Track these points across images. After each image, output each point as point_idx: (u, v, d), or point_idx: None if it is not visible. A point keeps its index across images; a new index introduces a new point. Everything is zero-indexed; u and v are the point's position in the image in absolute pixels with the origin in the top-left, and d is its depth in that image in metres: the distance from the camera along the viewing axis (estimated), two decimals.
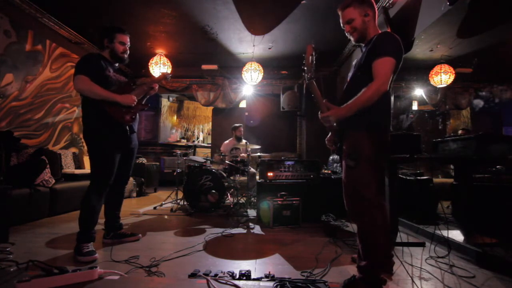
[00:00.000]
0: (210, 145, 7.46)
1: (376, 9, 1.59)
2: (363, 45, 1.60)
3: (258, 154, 4.44)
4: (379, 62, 1.39)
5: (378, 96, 1.36)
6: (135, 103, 2.13)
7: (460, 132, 4.88)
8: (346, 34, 1.62)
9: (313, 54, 1.54)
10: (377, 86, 1.36)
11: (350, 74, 1.67)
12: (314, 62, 1.55)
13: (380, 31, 1.53)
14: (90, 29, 4.37)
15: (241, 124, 4.91)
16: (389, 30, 3.06)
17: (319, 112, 1.50)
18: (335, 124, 1.48)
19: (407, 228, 2.94)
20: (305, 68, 1.55)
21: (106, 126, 2.04)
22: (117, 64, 2.25)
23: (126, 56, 2.23)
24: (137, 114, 2.24)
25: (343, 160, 1.53)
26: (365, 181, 1.43)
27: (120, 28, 2.19)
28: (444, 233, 2.28)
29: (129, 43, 2.23)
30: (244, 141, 4.67)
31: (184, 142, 8.03)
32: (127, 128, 2.15)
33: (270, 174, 3.28)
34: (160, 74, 2.68)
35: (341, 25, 1.62)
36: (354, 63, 1.67)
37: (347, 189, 1.52)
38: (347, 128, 1.53)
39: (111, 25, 2.20)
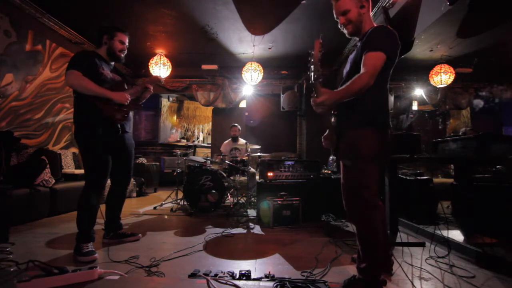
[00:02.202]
0: (210, 145, 7.46)
1: (371, 1, 1.53)
2: (358, 39, 1.55)
3: (258, 154, 4.44)
4: (370, 55, 1.36)
5: (363, 89, 1.33)
6: (128, 101, 2.12)
7: (467, 131, 4.85)
8: (340, 26, 1.56)
9: (321, 50, 1.44)
10: (362, 79, 1.32)
11: (345, 71, 1.63)
12: (320, 59, 1.45)
13: (375, 25, 1.49)
14: (90, 29, 4.37)
15: (234, 124, 4.89)
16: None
17: (311, 100, 1.44)
18: (328, 109, 1.44)
19: (407, 228, 2.94)
20: (312, 66, 1.45)
21: (97, 125, 2.02)
22: (112, 63, 2.24)
23: (123, 55, 2.22)
24: (130, 114, 2.23)
25: (340, 160, 1.52)
26: (363, 181, 1.41)
27: (121, 27, 2.20)
28: (444, 233, 2.28)
29: (127, 44, 2.24)
30: (243, 141, 4.67)
31: (184, 142, 8.03)
32: (119, 127, 2.14)
33: (270, 174, 3.28)
34: (153, 76, 2.71)
35: (335, 16, 1.55)
36: (350, 58, 1.62)
37: (346, 190, 1.49)
38: (344, 127, 1.51)
39: (111, 24, 2.20)
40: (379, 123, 1.45)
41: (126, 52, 2.24)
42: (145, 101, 2.42)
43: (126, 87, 2.22)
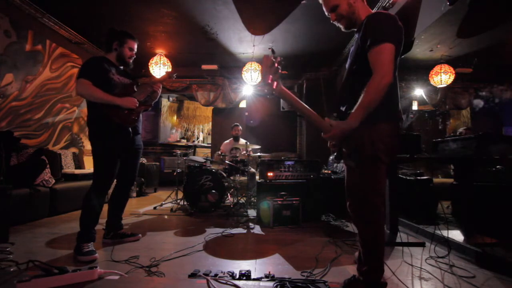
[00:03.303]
0: (210, 145, 7.46)
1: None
2: (356, 30, 1.43)
3: (258, 154, 4.44)
4: (375, 51, 1.21)
5: (384, 91, 1.18)
6: (136, 105, 2.16)
7: (463, 131, 4.85)
8: (334, 22, 1.45)
9: (275, 64, 1.20)
10: (379, 81, 1.18)
11: (347, 65, 1.54)
12: (279, 72, 1.22)
13: (371, 11, 1.36)
14: (90, 29, 4.37)
15: (236, 124, 4.91)
16: None
17: (321, 133, 1.29)
18: (340, 140, 1.30)
19: (407, 228, 2.94)
20: (264, 86, 1.23)
21: (109, 128, 2.06)
22: (122, 67, 2.28)
23: (131, 61, 2.27)
24: (140, 115, 2.25)
25: (344, 161, 1.44)
26: (369, 183, 1.32)
27: (131, 34, 2.23)
28: (444, 233, 2.28)
29: (136, 50, 2.27)
30: (243, 141, 4.67)
31: (184, 142, 8.03)
32: (130, 130, 2.18)
33: (270, 174, 3.28)
34: (165, 73, 2.69)
35: (326, 13, 1.44)
36: (350, 51, 1.50)
37: (349, 192, 1.42)
38: None
39: (122, 30, 2.24)
40: (385, 119, 1.30)
41: (134, 57, 2.28)
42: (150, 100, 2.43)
43: (135, 89, 2.25)
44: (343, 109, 1.41)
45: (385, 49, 1.20)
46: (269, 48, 1.30)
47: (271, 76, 1.21)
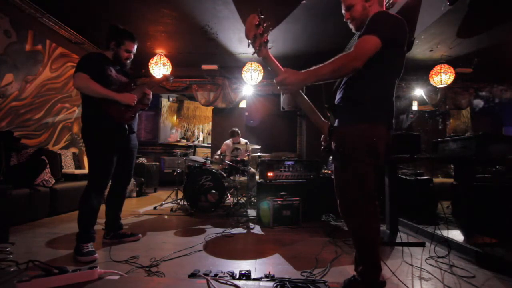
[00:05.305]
0: (210, 145, 7.46)
1: None
2: None
3: (258, 154, 4.44)
4: (360, 39, 1.24)
5: (345, 71, 1.22)
6: (135, 102, 2.14)
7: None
8: (347, 21, 1.44)
9: (261, 26, 1.31)
10: (345, 59, 1.20)
11: None
12: (264, 37, 1.32)
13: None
14: (90, 29, 4.37)
15: (236, 131, 4.71)
16: None
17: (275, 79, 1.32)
18: (293, 90, 1.31)
19: (407, 228, 2.94)
20: (250, 41, 1.35)
21: (104, 125, 2.04)
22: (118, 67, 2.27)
23: (128, 61, 2.24)
24: (137, 114, 2.25)
25: (332, 160, 1.44)
26: (353, 184, 1.31)
27: (131, 35, 2.19)
28: (444, 233, 2.28)
29: (135, 51, 2.24)
30: (244, 140, 4.67)
31: (184, 142, 8.03)
32: (126, 127, 2.16)
33: (270, 174, 3.28)
34: (162, 76, 2.68)
35: (342, 11, 1.44)
36: None
37: (337, 192, 1.41)
38: (335, 124, 1.41)
39: (123, 28, 2.19)
40: (370, 120, 1.29)
41: (132, 59, 2.25)
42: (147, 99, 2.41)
43: (133, 87, 2.23)
44: (334, 101, 1.46)
45: (368, 39, 1.21)
46: (259, 10, 1.32)
47: (258, 41, 1.33)
